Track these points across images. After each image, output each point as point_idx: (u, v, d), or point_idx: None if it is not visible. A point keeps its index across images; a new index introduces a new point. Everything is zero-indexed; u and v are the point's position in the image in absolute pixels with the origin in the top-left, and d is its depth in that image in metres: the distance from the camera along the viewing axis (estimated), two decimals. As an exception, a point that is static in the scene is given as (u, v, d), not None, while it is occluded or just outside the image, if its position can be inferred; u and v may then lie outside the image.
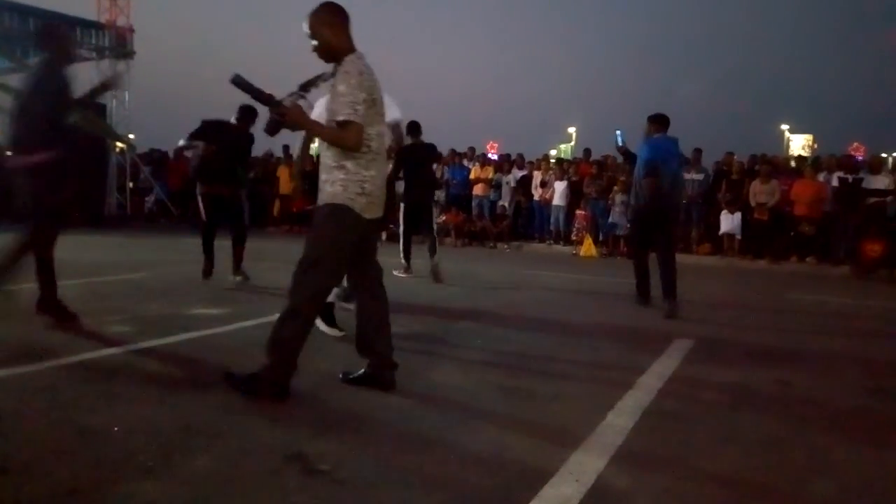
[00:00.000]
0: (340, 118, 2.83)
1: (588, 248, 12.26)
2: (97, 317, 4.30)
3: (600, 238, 12.85)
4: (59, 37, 4.18)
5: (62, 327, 4.07)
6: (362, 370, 3.20)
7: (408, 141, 6.96)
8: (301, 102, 3.01)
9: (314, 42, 2.95)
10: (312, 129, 3.11)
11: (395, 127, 5.56)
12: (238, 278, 6.38)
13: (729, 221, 11.81)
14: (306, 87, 3.10)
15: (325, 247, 2.97)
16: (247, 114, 6.16)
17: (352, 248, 3.03)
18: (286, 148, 16.77)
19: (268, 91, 2.97)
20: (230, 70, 2.97)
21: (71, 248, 7.68)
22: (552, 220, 13.34)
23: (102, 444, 2.34)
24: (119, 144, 14.82)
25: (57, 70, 4.03)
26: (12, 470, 2.09)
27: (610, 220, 12.60)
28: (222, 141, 6.24)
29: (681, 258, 11.83)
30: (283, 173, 15.73)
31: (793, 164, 13.54)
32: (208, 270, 6.40)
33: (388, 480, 2.15)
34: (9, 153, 4.11)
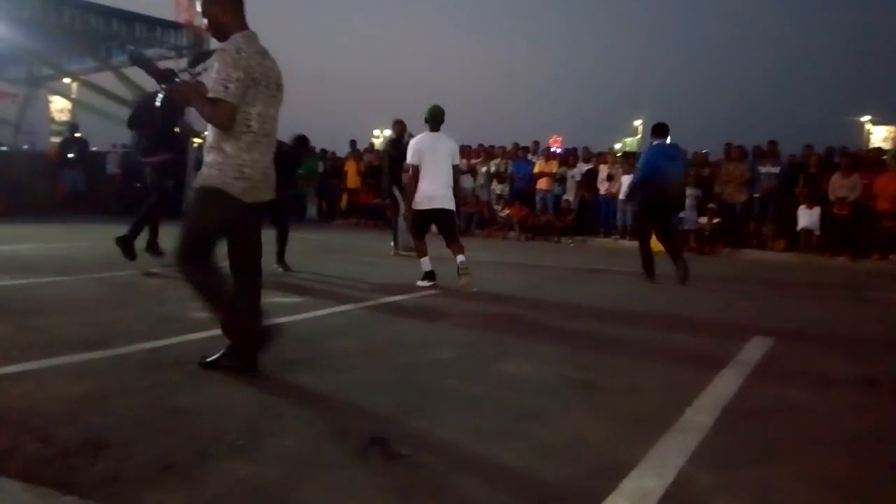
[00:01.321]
0: (210, 95, 2.84)
1: (656, 243, 11.97)
2: (180, 303, 4.49)
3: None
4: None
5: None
6: (221, 351, 3.11)
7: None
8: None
9: (205, 20, 3.00)
10: (195, 105, 3.00)
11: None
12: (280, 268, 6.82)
13: (807, 217, 11.34)
14: (193, 64, 3.19)
15: (192, 232, 3.00)
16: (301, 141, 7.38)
17: (228, 231, 3.04)
18: (353, 143, 17.09)
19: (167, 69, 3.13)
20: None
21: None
22: (618, 214, 13.11)
23: (193, 423, 2.45)
24: (196, 140, 15.37)
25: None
26: (111, 445, 2.21)
27: (679, 214, 12.27)
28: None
29: (755, 255, 11.55)
30: (350, 168, 16.00)
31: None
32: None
33: (466, 468, 2.17)
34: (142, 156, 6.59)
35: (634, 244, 12.44)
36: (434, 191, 6.14)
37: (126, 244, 6.26)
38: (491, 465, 2.19)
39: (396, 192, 8.87)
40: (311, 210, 16.89)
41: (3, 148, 16.01)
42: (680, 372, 3.54)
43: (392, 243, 9.30)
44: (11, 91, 18.84)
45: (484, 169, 14.94)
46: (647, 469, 2.20)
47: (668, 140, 7.58)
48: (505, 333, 4.34)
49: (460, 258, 6.04)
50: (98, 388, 2.79)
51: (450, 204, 6.23)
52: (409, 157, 6.28)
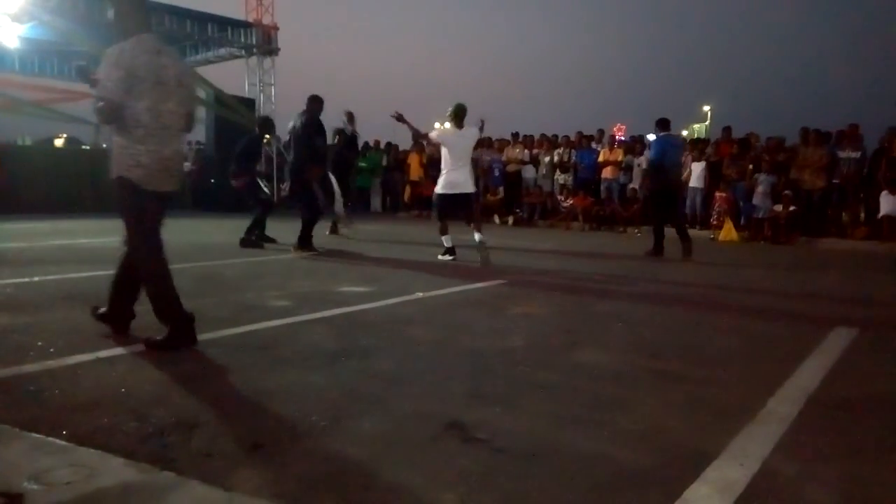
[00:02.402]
0: (94, 93, 3.12)
1: (728, 232, 11.63)
2: (260, 292, 4.66)
3: (741, 221, 12.13)
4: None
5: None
6: (165, 335, 3.24)
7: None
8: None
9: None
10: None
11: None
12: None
13: (890, 203, 10.76)
14: (82, 72, 3.43)
15: (126, 219, 3.25)
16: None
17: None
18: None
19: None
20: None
21: (227, 231, 8.35)
22: (688, 203, 12.75)
23: (278, 404, 2.55)
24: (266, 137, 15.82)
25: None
26: (202, 425, 2.32)
27: (753, 201, 11.86)
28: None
29: (834, 243, 11.04)
30: (413, 160, 16.14)
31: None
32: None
33: (544, 453, 2.17)
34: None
35: (704, 232, 12.18)
36: (457, 178, 7.09)
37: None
38: (569, 452, 2.19)
39: (333, 179, 9.15)
40: (376, 202, 17.15)
41: (86, 147, 16.88)
42: (760, 362, 3.44)
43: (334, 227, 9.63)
44: (92, 92, 19.82)
45: (547, 159, 14.80)
46: (729, 459, 2.16)
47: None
48: (574, 322, 4.31)
49: (479, 236, 6.92)
50: (187, 371, 2.93)
51: (471, 188, 7.26)
52: (435, 138, 7.44)
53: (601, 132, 15.01)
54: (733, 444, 2.28)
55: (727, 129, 13.66)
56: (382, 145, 17.35)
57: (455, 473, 2.00)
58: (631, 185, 13.54)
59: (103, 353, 3.13)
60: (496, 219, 14.45)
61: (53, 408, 2.43)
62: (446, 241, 7.23)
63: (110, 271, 3.54)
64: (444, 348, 3.52)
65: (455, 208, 7.23)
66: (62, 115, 17.10)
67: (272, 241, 8.17)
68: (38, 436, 2.15)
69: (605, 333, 4.02)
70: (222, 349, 3.32)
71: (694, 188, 12.55)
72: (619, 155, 13.77)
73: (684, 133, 21.52)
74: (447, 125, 7.38)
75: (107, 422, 2.30)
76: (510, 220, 14.28)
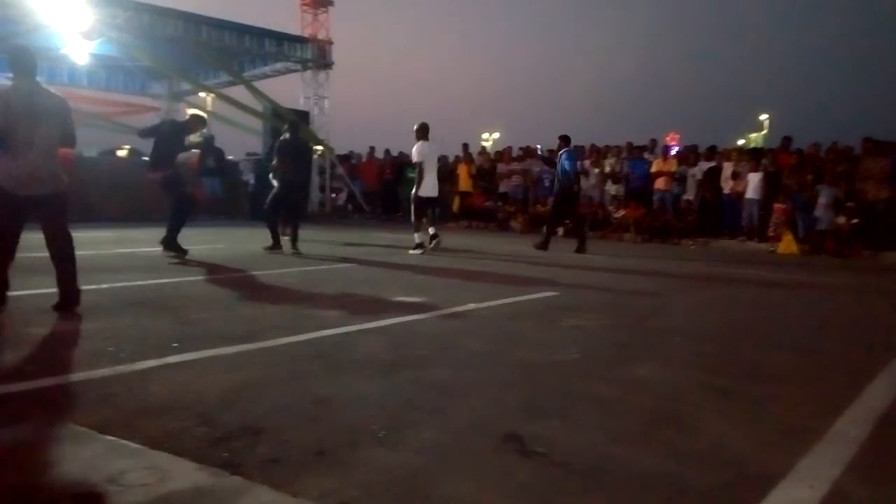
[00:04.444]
0: None
1: (788, 244, 11.29)
2: (316, 301, 4.75)
3: (800, 234, 11.77)
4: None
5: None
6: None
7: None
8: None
9: None
10: None
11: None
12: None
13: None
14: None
15: None
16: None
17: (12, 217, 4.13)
18: (465, 146, 17.30)
19: None
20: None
21: (283, 241, 8.53)
22: (745, 214, 12.45)
23: (337, 412, 2.60)
24: (317, 147, 16.16)
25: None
26: (267, 431, 2.38)
27: (815, 213, 11.49)
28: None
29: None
30: (462, 171, 16.21)
31: None
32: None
33: (604, 469, 2.16)
34: None
35: (763, 245, 11.84)
36: (432, 183, 9.04)
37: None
38: (630, 469, 2.16)
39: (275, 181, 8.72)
40: (426, 212, 17.27)
41: (146, 158, 17.52)
42: (825, 380, 3.34)
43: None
44: (156, 105, 20.64)
45: (596, 170, 14.66)
46: (797, 480, 2.10)
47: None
48: (628, 336, 4.25)
49: (432, 230, 9.12)
50: (250, 378, 3.02)
51: (437, 193, 9.29)
52: (416, 157, 8.97)
53: (654, 142, 14.79)
54: (801, 465, 2.22)
55: (786, 139, 13.28)
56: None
57: (516, 487, 2.00)
58: (685, 196, 13.29)
59: (171, 359, 3.25)
60: (545, 230, 14.35)
61: (126, 411, 2.54)
62: (419, 237, 8.81)
63: (173, 279, 3.66)
64: (497, 360, 3.53)
65: (427, 208, 9.14)
66: (126, 127, 17.81)
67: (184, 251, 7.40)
68: (112, 438, 2.25)
69: (662, 348, 3.96)
70: (282, 356, 3.41)
71: (751, 199, 12.24)
72: (672, 165, 13.55)
73: (740, 142, 21.17)
74: (419, 142, 8.94)
75: (176, 426, 2.39)
76: (560, 230, 14.16)
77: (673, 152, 14.90)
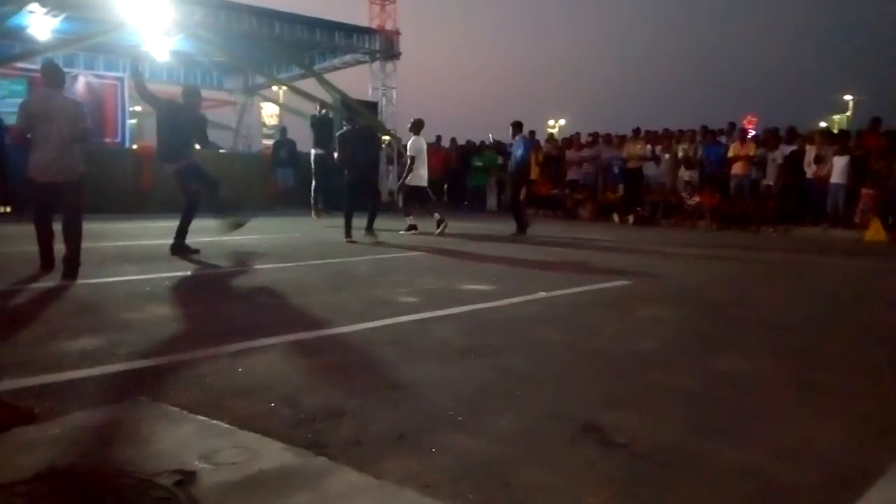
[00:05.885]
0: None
1: (876, 231, 10.68)
2: (389, 288, 4.83)
3: (889, 221, 11.10)
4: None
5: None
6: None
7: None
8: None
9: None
10: None
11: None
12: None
13: None
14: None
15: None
16: None
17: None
18: (532, 133, 17.11)
19: None
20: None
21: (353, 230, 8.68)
22: (829, 200, 11.83)
23: (415, 397, 2.64)
24: (385, 137, 16.30)
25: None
26: (348, 413, 2.44)
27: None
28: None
29: None
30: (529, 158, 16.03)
31: None
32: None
33: (688, 462, 2.11)
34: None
35: (848, 232, 11.24)
36: (424, 174, 10.16)
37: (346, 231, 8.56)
38: (714, 463, 2.11)
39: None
40: (491, 201, 17.22)
41: (223, 150, 18.14)
42: (924, 376, 3.15)
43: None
44: (231, 99, 21.32)
45: (667, 155, 14.24)
46: (894, 480, 2.00)
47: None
48: (707, 326, 4.13)
49: (437, 215, 9.84)
50: (330, 362, 3.10)
51: (426, 183, 10.35)
52: (410, 151, 10.03)
53: (732, 125, 14.23)
54: (899, 464, 2.11)
55: (876, 120, 12.51)
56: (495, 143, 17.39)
57: (596, 477, 1.98)
58: (765, 182, 12.74)
59: (254, 343, 3.37)
60: (615, 217, 14.09)
61: (214, 393, 2.65)
62: (411, 220, 9.94)
63: (253, 268, 3.78)
64: (572, 349, 3.50)
65: (415, 196, 10.23)
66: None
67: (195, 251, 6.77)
68: (203, 418, 2.35)
69: (744, 339, 3.83)
70: (359, 342, 3.48)
71: (836, 184, 11.61)
72: (750, 149, 12.98)
73: (822, 125, 20.13)
74: (413, 137, 10.05)
75: (263, 407, 2.48)
76: (630, 218, 13.87)
77: (750, 135, 14.29)
